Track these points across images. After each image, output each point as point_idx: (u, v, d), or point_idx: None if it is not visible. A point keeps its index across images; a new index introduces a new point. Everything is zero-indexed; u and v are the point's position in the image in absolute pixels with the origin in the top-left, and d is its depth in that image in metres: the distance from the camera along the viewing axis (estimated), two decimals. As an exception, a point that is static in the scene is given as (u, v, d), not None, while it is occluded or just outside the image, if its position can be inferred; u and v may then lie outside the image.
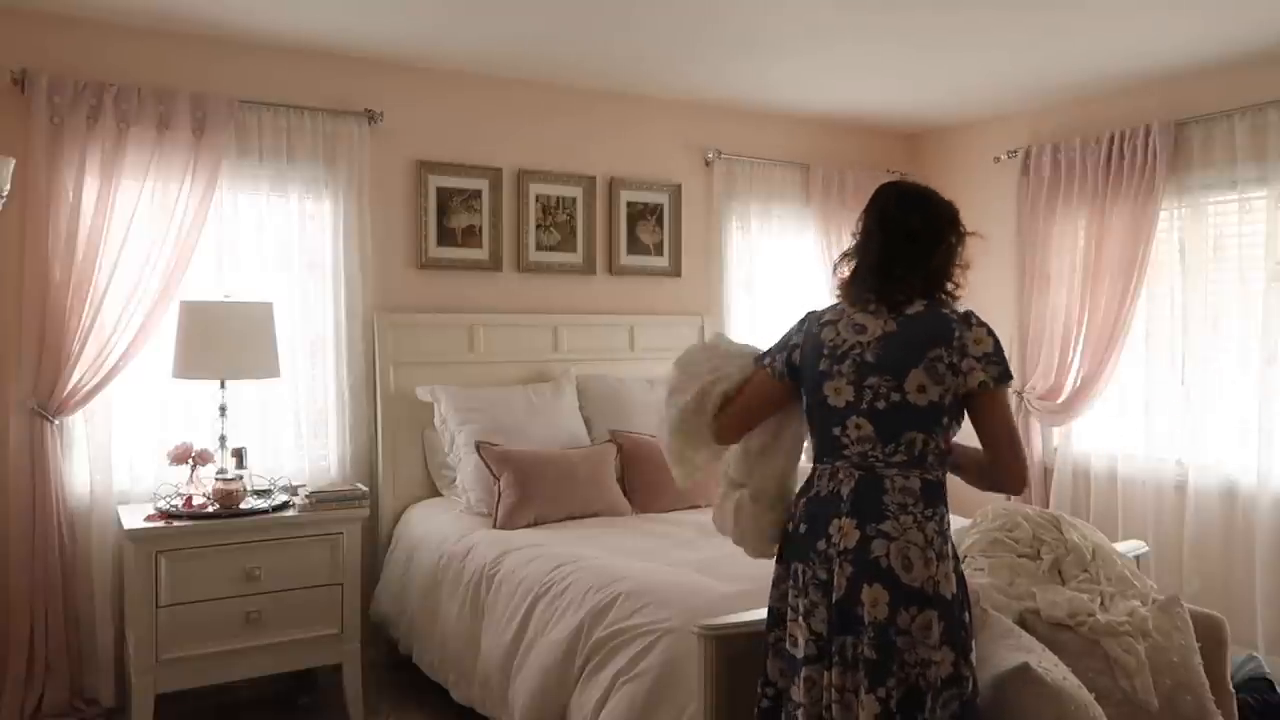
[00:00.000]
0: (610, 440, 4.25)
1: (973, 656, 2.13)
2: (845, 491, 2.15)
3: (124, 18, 3.67)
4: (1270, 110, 4.05)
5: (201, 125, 3.75)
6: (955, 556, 2.15)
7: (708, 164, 5.09)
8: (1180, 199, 4.44)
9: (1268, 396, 4.07)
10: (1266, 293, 4.08)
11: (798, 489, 2.30)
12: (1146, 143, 4.42)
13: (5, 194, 3.09)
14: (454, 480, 4.09)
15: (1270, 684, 3.44)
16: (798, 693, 2.15)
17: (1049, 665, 2.24)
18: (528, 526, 3.73)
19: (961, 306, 2.22)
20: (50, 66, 3.57)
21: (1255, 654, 3.71)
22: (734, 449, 2.40)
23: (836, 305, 2.29)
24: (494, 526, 3.73)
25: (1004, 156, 5.09)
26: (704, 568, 3.09)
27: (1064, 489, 4.80)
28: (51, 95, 3.53)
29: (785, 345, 2.33)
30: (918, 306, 2.16)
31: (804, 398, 2.28)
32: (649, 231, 4.94)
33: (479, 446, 3.91)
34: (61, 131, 3.55)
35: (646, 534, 3.66)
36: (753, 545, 2.38)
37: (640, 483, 4.11)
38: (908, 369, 2.11)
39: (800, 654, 2.15)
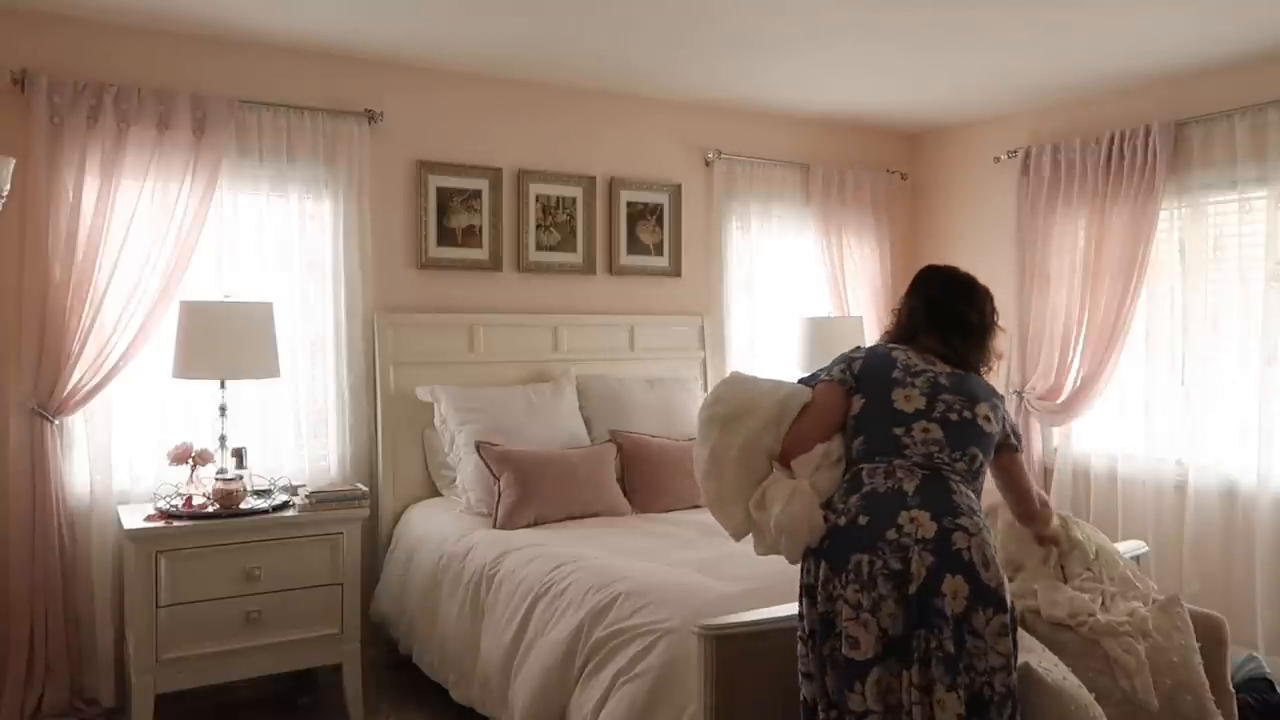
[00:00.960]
0: (610, 440, 4.25)
1: (1015, 676, 2.13)
2: (909, 488, 2.18)
3: (124, 17, 3.67)
4: (1270, 110, 4.05)
5: (201, 125, 3.75)
6: None
7: (708, 164, 5.09)
8: (1180, 199, 4.43)
9: (1268, 396, 4.06)
10: (1266, 293, 4.08)
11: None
12: (1146, 143, 4.41)
13: (5, 194, 3.09)
14: (454, 480, 4.09)
15: (1270, 684, 3.44)
16: (860, 701, 2.08)
17: (1049, 665, 2.24)
18: (528, 526, 3.73)
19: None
20: (50, 66, 3.57)
21: (1255, 654, 3.71)
22: (805, 455, 2.36)
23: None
24: (494, 526, 3.73)
25: (1004, 156, 5.09)
26: (704, 568, 3.09)
27: (1064, 489, 4.80)
28: (51, 95, 3.53)
29: (844, 360, 2.46)
30: (970, 372, 2.43)
31: (858, 403, 2.36)
32: (649, 231, 4.94)
33: (479, 446, 3.91)
34: (61, 131, 3.55)
35: (646, 534, 3.66)
36: (795, 534, 2.25)
37: (640, 483, 4.11)
38: (978, 400, 2.35)
39: (869, 654, 2.08)
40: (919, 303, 2.47)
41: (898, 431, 2.26)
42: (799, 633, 2.26)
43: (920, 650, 2.06)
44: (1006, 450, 2.46)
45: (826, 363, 2.54)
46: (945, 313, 2.43)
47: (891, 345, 2.46)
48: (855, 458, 2.32)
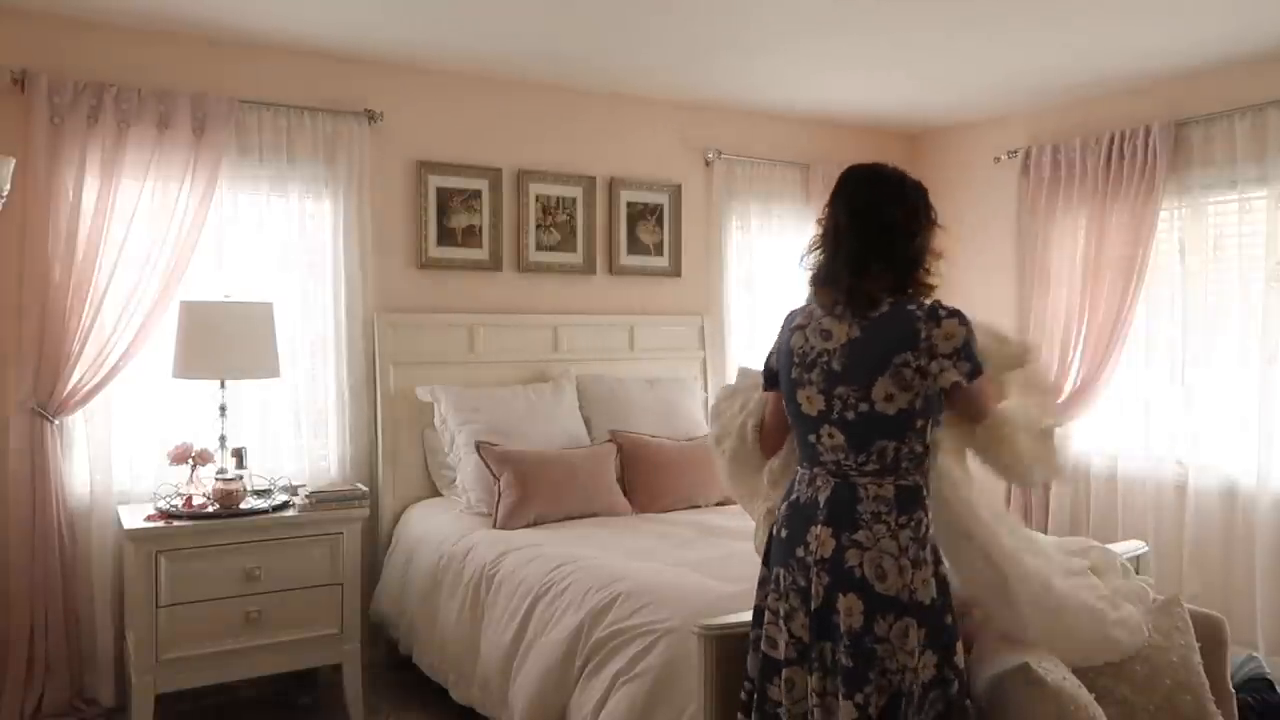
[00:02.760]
0: (610, 440, 4.24)
1: (959, 658, 2.13)
2: (822, 499, 2.16)
3: (124, 18, 3.67)
4: (1270, 110, 4.05)
5: (201, 125, 3.75)
6: (937, 560, 2.13)
7: (708, 164, 5.09)
8: (1180, 199, 4.43)
9: (1268, 396, 4.06)
10: (1266, 293, 4.08)
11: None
12: (1146, 143, 4.41)
13: (5, 194, 3.09)
14: (454, 480, 4.09)
15: (1270, 684, 3.44)
16: (777, 693, 2.17)
17: (1049, 665, 2.24)
18: (527, 526, 3.73)
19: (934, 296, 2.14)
20: (50, 66, 3.57)
21: (1255, 654, 3.70)
22: (767, 465, 2.46)
23: (807, 307, 2.27)
24: (494, 526, 3.73)
25: (1004, 156, 5.09)
26: (704, 568, 3.09)
27: (1064, 489, 4.79)
28: (51, 95, 3.53)
29: (769, 354, 2.36)
30: (884, 306, 2.10)
31: (784, 404, 2.31)
32: (649, 231, 4.94)
33: (479, 446, 3.91)
34: (61, 131, 3.55)
35: (646, 534, 3.66)
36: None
37: (640, 483, 4.11)
38: (874, 377, 2.07)
39: (780, 655, 2.16)
40: (842, 212, 2.15)
41: (811, 439, 2.19)
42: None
43: (820, 660, 2.11)
44: (961, 389, 2.05)
45: None
46: (871, 222, 2.10)
47: (795, 325, 2.23)
48: (798, 459, 2.31)
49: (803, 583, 2.14)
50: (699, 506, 4.12)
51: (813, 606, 2.11)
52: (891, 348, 2.06)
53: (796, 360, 2.19)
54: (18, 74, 3.52)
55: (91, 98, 3.59)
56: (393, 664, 4.08)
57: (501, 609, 3.26)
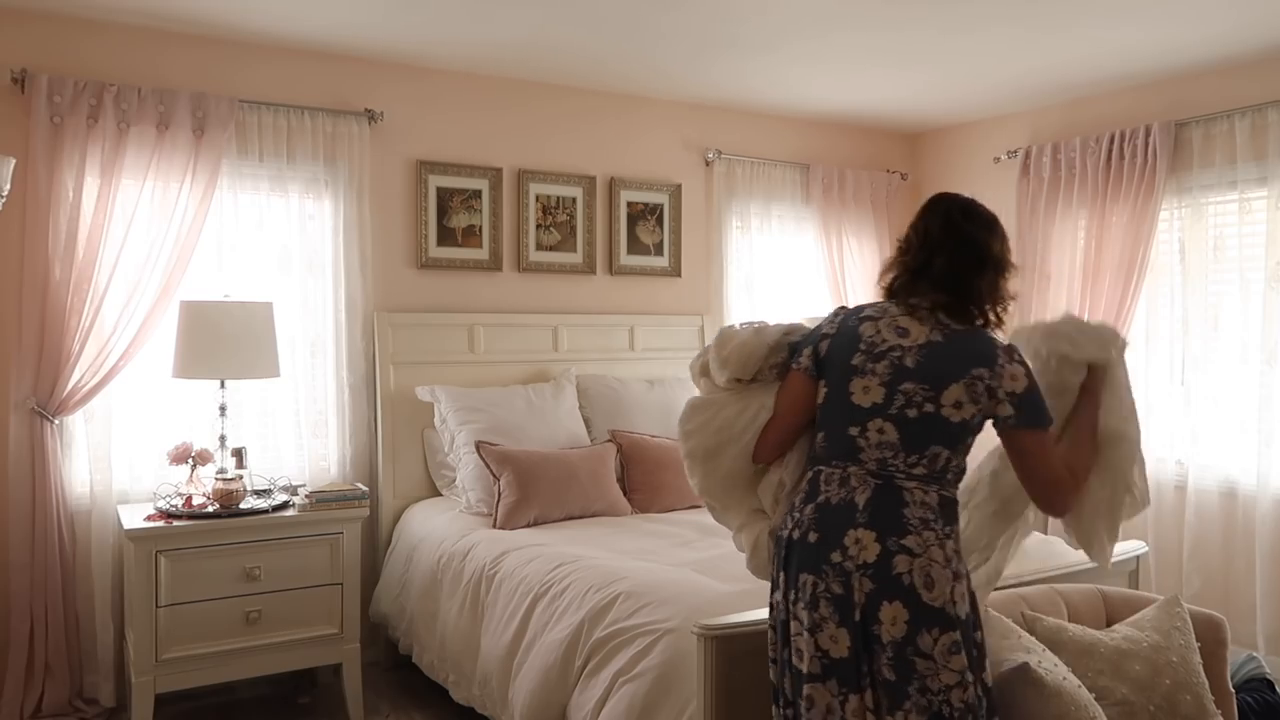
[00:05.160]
0: (610, 440, 4.25)
1: (986, 675, 2.10)
2: (860, 500, 2.08)
3: (124, 17, 3.68)
4: (1270, 110, 4.05)
5: (201, 125, 3.75)
6: (968, 575, 2.12)
7: (708, 164, 5.09)
8: (1180, 199, 4.44)
9: (1268, 396, 4.07)
10: (1266, 293, 4.08)
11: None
12: (1146, 143, 4.42)
13: (5, 194, 3.09)
14: (454, 480, 4.10)
15: (1270, 684, 3.44)
16: (804, 709, 2.08)
17: (1049, 665, 2.24)
18: (527, 526, 3.73)
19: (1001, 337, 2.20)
20: (50, 66, 3.57)
21: (1255, 654, 3.70)
22: (767, 480, 2.35)
23: (879, 303, 2.23)
24: (494, 526, 3.73)
25: (1004, 156, 5.09)
26: (704, 568, 3.10)
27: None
28: (51, 95, 3.53)
29: (815, 337, 2.25)
30: (965, 325, 2.14)
31: (822, 391, 2.20)
32: (649, 231, 4.94)
33: (479, 446, 3.91)
34: (61, 131, 3.55)
35: (646, 534, 3.66)
36: (763, 578, 2.35)
37: (640, 483, 4.12)
38: (947, 382, 2.07)
39: (804, 669, 2.08)
40: (935, 225, 2.17)
41: (853, 432, 2.11)
42: (769, 619, 2.25)
43: (868, 675, 2.04)
44: (1009, 428, 2.09)
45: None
46: (963, 237, 2.14)
47: (865, 315, 2.20)
48: (817, 455, 2.20)
49: (839, 590, 2.04)
50: (699, 506, 4.10)
51: (856, 617, 2.03)
52: (971, 361, 2.08)
53: (863, 348, 2.14)
54: (18, 74, 3.52)
55: (91, 98, 3.59)
56: (393, 664, 4.09)
57: (501, 609, 3.26)
